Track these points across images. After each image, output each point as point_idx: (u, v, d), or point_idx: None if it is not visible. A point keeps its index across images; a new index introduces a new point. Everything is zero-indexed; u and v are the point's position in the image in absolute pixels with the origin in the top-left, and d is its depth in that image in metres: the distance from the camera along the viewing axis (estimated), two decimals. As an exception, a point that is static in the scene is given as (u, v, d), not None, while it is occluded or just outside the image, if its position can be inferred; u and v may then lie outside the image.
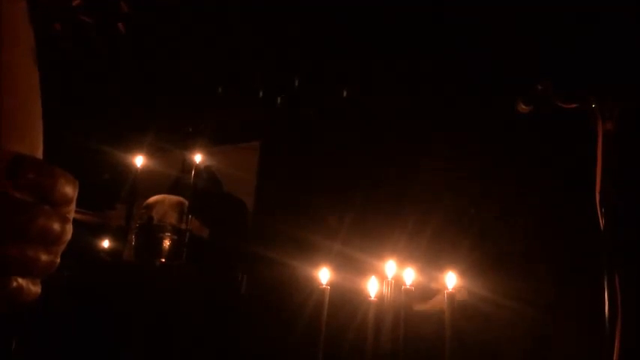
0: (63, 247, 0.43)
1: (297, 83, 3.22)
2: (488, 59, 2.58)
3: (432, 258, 2.40)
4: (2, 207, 0.38)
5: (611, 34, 2.19)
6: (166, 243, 2.77)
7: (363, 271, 2.15)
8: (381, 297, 1.93)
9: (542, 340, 2.37)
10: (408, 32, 2.77)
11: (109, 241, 3.01)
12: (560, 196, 2.43)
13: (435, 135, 2.76)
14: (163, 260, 2.74)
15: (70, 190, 0.42)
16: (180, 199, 2.95)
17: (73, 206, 0.44)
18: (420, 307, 2.32)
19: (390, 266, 1.92)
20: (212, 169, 3.34)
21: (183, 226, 2.78)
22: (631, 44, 2.12)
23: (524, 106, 1.60)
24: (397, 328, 1.82)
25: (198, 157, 2.89)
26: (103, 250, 2.98)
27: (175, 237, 2.77)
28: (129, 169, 2.94)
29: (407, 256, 2.20)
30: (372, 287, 1.95)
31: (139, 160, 2.83)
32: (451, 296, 1.76)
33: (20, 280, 0.40)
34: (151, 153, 3.16)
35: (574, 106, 1.54)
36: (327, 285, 1.87)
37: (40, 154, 0.47)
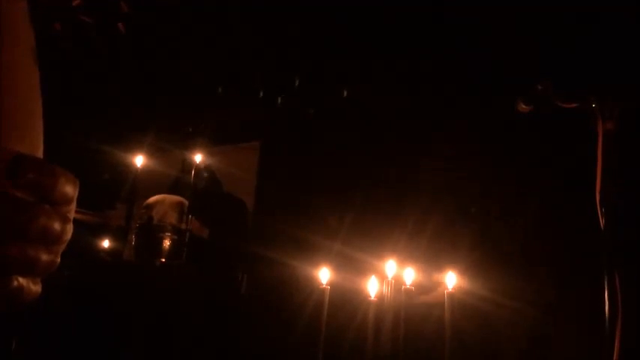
0: (63, 246, 0.43)
1: (297, 83, 3.22)
2: (488, 59, 2.58)
3: (432, 258, 2.40)
4: (2, 206, 0.38)
5: (611, 34, 2.19)
6: (166, 243, 2.77)
7: (363, 271, 2.15)
8: (381, 297, 1.93)
9: (542, 339, 2.37)
10: (408, 32, 2.76)
11: (109, 241, 3.01)
12: (560, 196, 2.43)
13: (435, 135, 2.76)
14: (163, 260, 2.74)
15: (70, 190, 0.42)
16: (180, 199, 2.96)
17: (73, 206, 0.44)
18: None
19: (390, 266, 1.92)
20: (212, 169, 3.34)
21: (183, 226, 2.78)
22: (631, 44, 2.12)
23: (524, 106, 1.60)
24: (397, 328, 1.82)
25: (198, 157, 2.89)
26: (103, 250, 2.99)
27: (175, 237, 2.77)
28: (129, 169, 2.95)
29: (407, 255, 2.19)
30: (372, 287, 1.95)
31: (139, 160, 2.83)
32: (451, 296, 1.76)
33: (21, 280, 0.40)
34: (151, 153, 3.16)
35: (574, 106, 1.54)
36: (327, 285, 1.87)
37: (40, 153, 0.47)
